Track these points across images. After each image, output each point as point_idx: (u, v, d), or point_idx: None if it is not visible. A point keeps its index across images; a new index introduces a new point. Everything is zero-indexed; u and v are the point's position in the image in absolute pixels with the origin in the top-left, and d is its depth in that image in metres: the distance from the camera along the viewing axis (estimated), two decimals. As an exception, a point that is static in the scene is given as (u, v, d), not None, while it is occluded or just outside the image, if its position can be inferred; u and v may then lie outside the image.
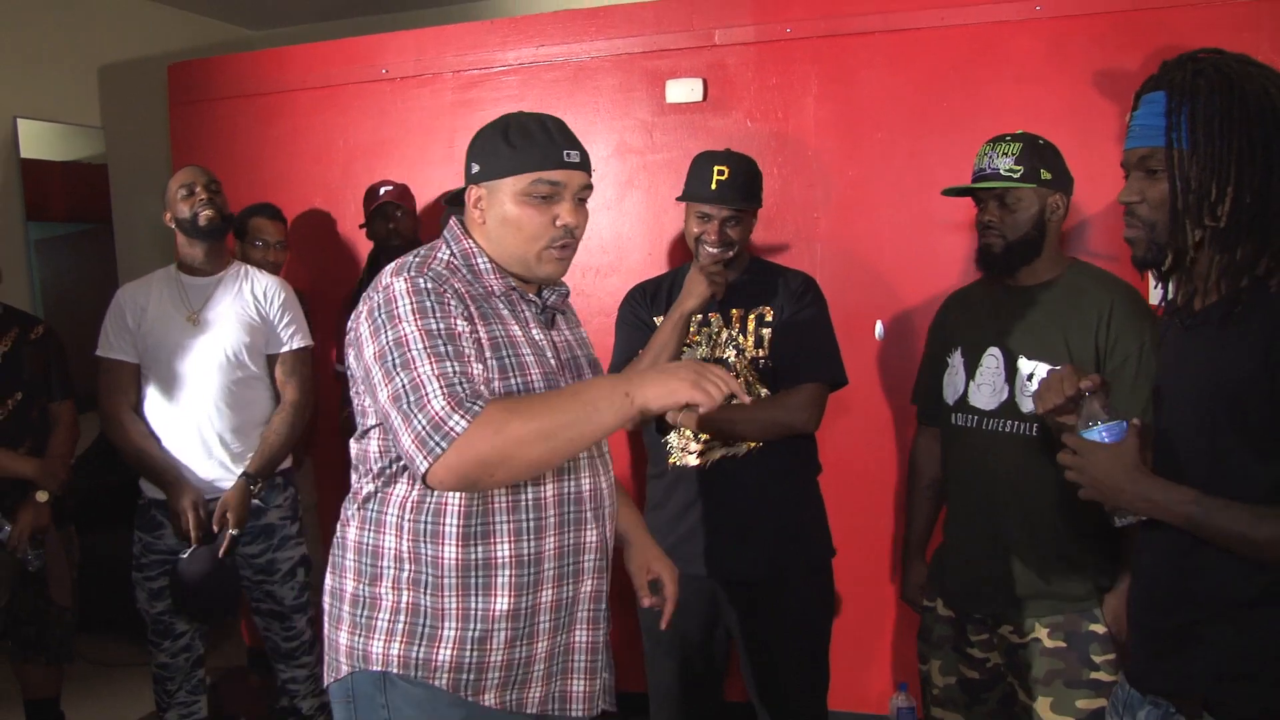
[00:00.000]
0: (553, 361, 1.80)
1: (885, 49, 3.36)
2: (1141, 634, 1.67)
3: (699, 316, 2.72)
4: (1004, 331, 2.41)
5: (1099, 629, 2.32)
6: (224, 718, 3.66)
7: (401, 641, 1.70)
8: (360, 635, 1.73)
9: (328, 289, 3.99)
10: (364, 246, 3.88)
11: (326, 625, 1.83)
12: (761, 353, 2.68)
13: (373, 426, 1.76)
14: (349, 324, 1.78)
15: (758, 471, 2.68)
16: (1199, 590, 1.53)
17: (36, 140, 4.49)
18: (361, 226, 3.75)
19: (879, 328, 3.43)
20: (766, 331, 2.69)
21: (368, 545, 1.76)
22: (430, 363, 1.59)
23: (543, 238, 1.75)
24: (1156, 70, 1.59)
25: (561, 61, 3.73)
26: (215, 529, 3.04)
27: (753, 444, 2.67)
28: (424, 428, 1.55)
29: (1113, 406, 1.69)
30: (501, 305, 1.77)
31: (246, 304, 3.15)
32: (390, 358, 1.62)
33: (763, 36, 3.48)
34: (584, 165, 1.78)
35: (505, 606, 1.71)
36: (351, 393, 1.82)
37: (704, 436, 2.69)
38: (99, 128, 4.77)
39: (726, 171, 2.63)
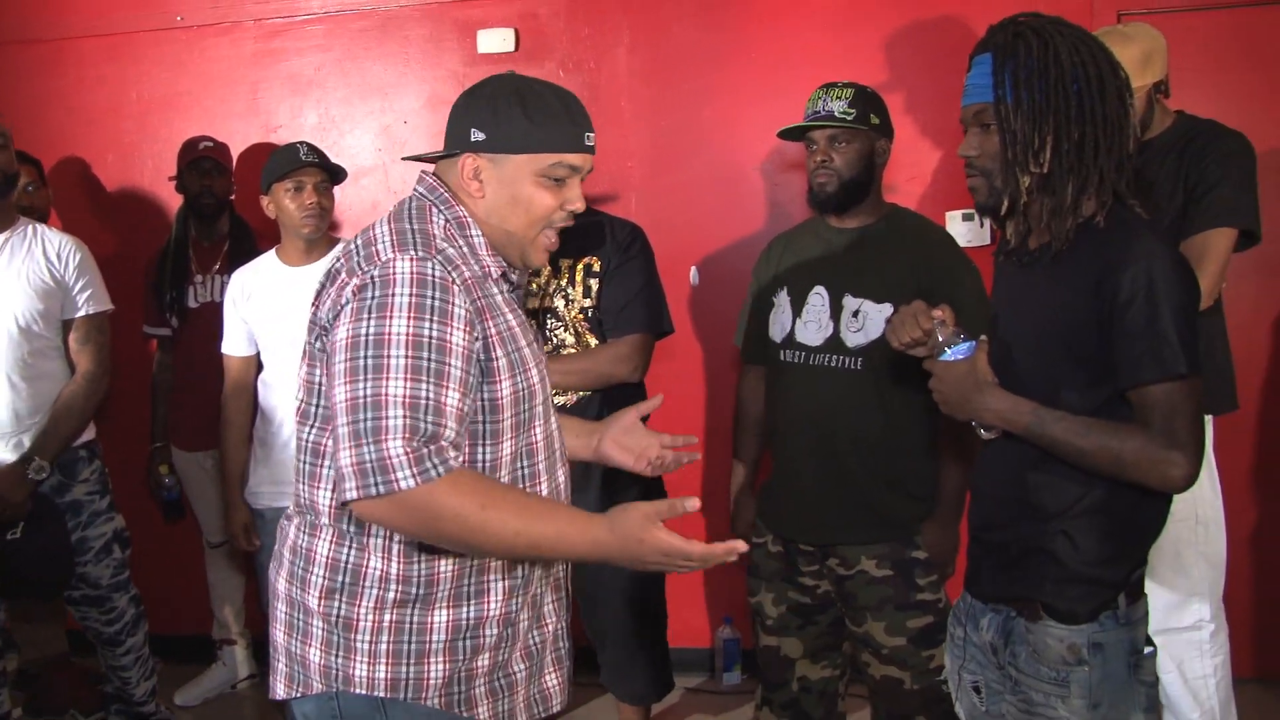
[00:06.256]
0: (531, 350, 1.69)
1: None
2: (983, 548, 1.83)
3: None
4: (829, 270, 2.51)
5: (920, 554, 2.46)
6: (51, 712, 3.45)
7: (387, 664, 1.57)
8: (337, 655, 1.58)
9: (131, 248, 3.77)
10: (170, 202, 3.69)
11: (280, 632, 1.68)
12: (589, 302, 2.72)
13: None
14: (322, 280, 1.63)
15: (586, 419, 2.70)
16: (1039, 505, 1.71)
17: None
18: (171, 179, 3.55)
19: (694, 273, 3.56)
20: (594, 282, 2.72)
21: (346, 564, 1.59)
22: (405, 380, 1.42)
23: (545, 220, 1.65)
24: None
25: (370, 10, 3.66)
26: None
27: (581, 392, 2.70)
28: (371, 460, 1.40)
29: (962, 328, 1.83)
30: (496, 290, 1.62)
31: (39, 266, 2.91)
32: (364, 353, 1.44)
33: (574, -13, 3.50)
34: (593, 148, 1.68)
35: (498, 611, 1.62)
36: (304, 354, 1.63)
37: None
38: None
39: None
